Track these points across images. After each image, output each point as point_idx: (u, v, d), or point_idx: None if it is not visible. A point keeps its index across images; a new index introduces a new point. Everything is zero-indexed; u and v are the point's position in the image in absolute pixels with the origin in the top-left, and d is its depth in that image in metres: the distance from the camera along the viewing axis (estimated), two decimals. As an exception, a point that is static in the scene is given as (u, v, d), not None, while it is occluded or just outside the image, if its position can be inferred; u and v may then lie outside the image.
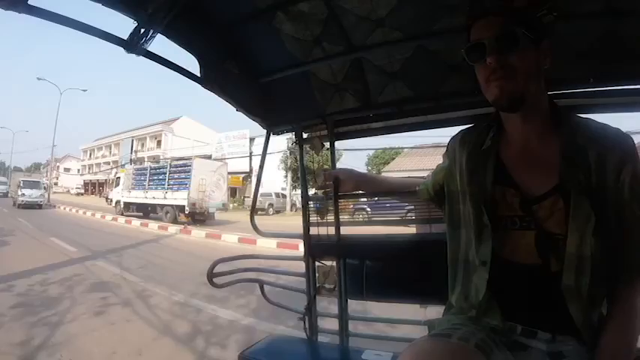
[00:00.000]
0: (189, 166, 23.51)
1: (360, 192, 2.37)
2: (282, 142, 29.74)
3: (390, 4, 1.80)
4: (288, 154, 33.09)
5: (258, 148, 33.88)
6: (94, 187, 62.39)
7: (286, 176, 35.23)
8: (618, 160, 1.23)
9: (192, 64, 1.99)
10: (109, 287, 7.53)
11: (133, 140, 54.52)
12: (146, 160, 47.89)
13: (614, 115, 1.92)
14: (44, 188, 37.97)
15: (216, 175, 24.80)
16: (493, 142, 1.42)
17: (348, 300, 2.43)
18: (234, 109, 2.33)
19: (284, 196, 36.12)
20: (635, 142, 1.31)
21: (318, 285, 2.49)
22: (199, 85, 2.02)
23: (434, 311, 1.74)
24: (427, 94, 2.14)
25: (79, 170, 73.71)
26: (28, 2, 1.34)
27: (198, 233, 17.61)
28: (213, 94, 2.10)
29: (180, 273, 9.14)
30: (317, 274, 2.50)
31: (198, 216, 22.79)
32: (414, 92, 2.16)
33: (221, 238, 16.16)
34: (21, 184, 34.92)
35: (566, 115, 1.37)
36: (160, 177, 25.13)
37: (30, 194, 33.70)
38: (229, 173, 30.42)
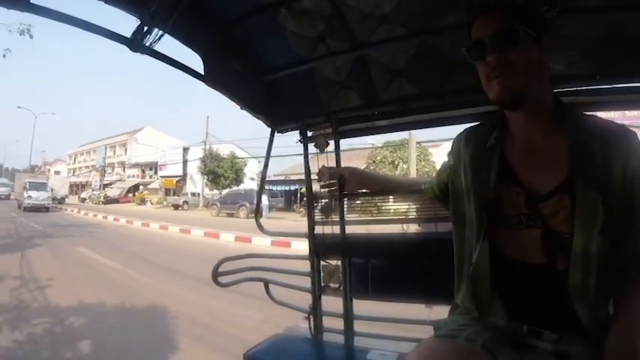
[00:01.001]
0: (47, 180, 41.98)
1: (365, 190, 2.36)
2: (199, 151, 42.04)
3: (393, 0, 1.79)
4: (201, 161, 40.45)
5: (191, 155, 47.81)
6: (77, 188, 69.00)
7: (203, 179, 41.89)
8: (624, 157, 1.22)
9: (196, 62, 2.01)
10: (13, 221, 22.86)
11: (106, 148, 64.61)
12: (116, 164, 62.40)
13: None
14: (51, 190, 37.43)
15: (60, 182, 50.71)
16: (497, 141, 1.41)
17: (354, 299, 2.42)
18: (239, 107, 2.32)
19: (199, 195, 43.68)
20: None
21: (323, 284, 2.48)
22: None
23: (439, 311, 1.73)
24: (432, 92, 2.13)
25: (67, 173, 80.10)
26: (31, 1, 1.33)
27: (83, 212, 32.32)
28: (217, 91, 2.09)
29: (47, 223, 22.39)
30: (322, 274, 2.49)
31: (55, 201, 40.23)
32: (419, 89, 2.15)
33: (88, 214, 30.22)
34: (27, 186, 33.72)
35: (571, 112, 1.36)
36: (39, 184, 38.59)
37: (37, 196, 32.79)
38: (166, 177, 51.70)
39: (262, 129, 2.84)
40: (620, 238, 1.23)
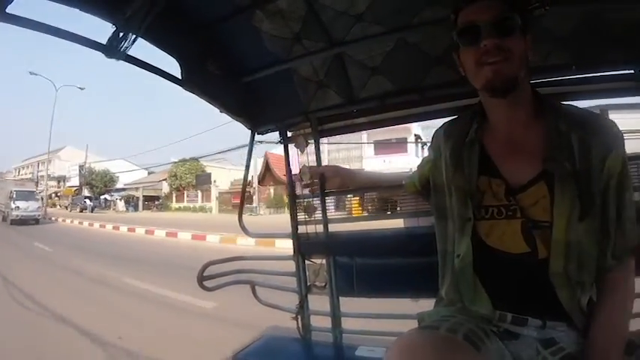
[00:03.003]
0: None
1: (347, 188, 2.36)
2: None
3: None
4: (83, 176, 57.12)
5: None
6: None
7: (82, 188, 57.77)
8: (602, 145, 1.24)
9: (173, 66, 2.01)
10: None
11: (38, 163, 74.94)
12: (45, 177, 70.92)
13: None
14: (41, 199, 33.62)
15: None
16: (477, 134, 1.42)
17: (340, 297, 2.42)
18: (218, 110, 2.31)
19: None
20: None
21: (309, 283, 2.48)
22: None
23: (426, 305, 1.73)
24: (410, 87, 2.14)
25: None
26: (6, 11, 1.32)
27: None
28: (195, 95, 2.08)
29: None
30: (307, 273, 2.49)
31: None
32: (397, 86, 2.16)
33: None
34: (14, 196, 29.07)
35: (549, 102, 1.38)
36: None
37: (26, 207, 28.63)
38: (70, 186, 64.14)
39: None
40: (599, 224, 1.25)
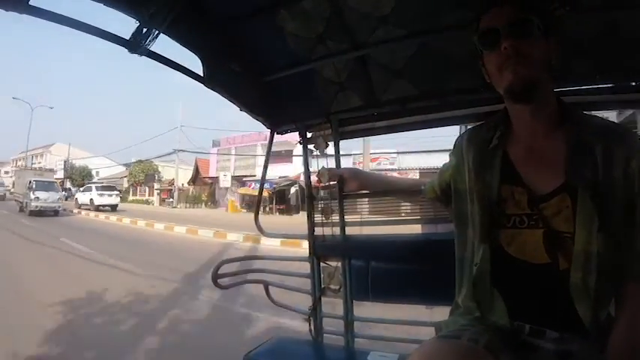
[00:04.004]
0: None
1: (365, 192, 2.35)
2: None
3: (392, 1, 1.77)
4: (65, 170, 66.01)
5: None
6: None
7: (65, 180, 65.12)
8: (625, 154, 1.22)
9: (195, 63, 2.02)
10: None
11: (32, 156, 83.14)
12: (37, 169, 76.98)
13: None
14: (62, 190, 33.54)
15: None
16: (500, 141, 1.41)
17: (354, 301, 2.41)
18: (238, 108, 2.31)
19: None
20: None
21: (323, 286, 2.47)
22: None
23: (440, 312, 1.72)
24: (432, 92, 2.12)
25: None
26: (29, 3, 1.33)
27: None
28: (216, 93, 2.08)
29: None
30: (322, 275, 2.48)
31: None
32: (419, 90, 2.14)
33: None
34: (33, 186, 27.83)
35: (573, 111, 1.36)
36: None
37: (46, 198, 27.38)
38: (58, 178, 58.00)
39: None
40: (621, 237, 1.23)
